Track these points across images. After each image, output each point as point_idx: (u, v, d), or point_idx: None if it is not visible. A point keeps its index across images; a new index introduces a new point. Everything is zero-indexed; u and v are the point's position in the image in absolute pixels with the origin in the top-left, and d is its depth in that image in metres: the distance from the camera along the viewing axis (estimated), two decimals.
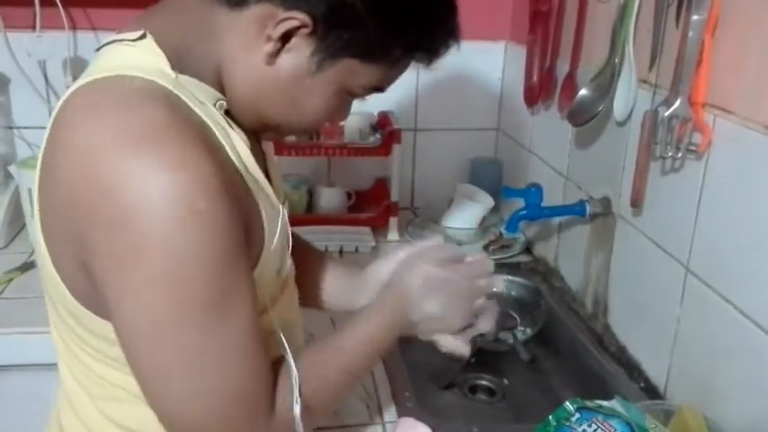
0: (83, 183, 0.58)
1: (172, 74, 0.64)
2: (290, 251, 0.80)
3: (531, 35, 1.42)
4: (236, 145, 0.68)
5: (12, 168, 1.42)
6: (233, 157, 0.66)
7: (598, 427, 0.76)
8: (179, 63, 0.65)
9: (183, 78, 0.65)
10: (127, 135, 0.58)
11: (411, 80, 1.69)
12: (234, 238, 0.62)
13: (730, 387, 0.87)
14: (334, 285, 0.98)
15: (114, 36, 0.68)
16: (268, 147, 0.85)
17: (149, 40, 0.65)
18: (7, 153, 1.58)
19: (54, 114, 0.64)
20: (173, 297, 0.59)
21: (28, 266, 1.35)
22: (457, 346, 0.87)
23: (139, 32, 0.66)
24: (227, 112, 0.70)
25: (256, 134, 0.78)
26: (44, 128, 0.66)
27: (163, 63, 0.64)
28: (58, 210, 0.63)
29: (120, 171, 0.57)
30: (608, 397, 0.82)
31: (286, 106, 0.70)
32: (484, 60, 1.69)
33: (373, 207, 1.64)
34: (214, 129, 0.65)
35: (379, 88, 0.73)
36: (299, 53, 0.67)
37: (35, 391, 1.14)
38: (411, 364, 1.08)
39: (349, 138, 1.59)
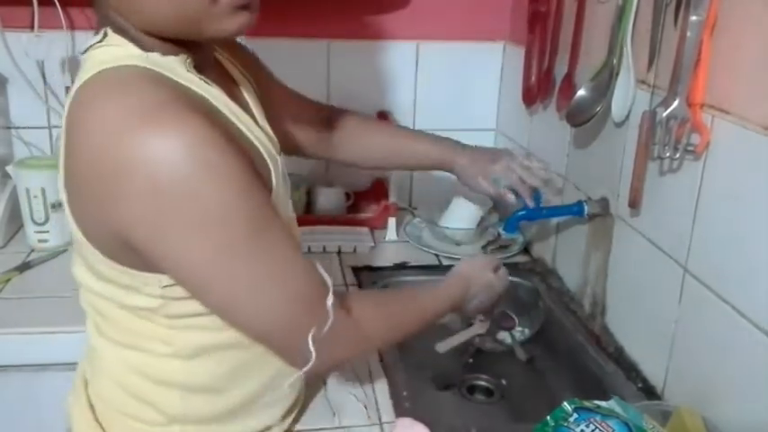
0: (102, 165, 0.64)
1: (144, 54, 0.69)
2: (290, 199, 0.87)
3: (530, 35, 1.42)
4: (222, 101, 0.73)
5: (9, 168, 1.42)
6: (231, 117, 0.73)
7: (596, 427, 0.76)
8: (140, 41, 0.69)
9: (153, 56, 0.69)
10: (130, 115, 0.63)
11: (410, 80, 1.69)
12: (249, 178, 0.68)
13: (728, 388, 0.87)
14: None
15: (88, 44, 0.73)
16: (253, 98, 0.87)
17: (111, 35, 0.70)
18: (5, 153, 1.57)
19: (63, 121, 0.69)
20: (215, 240, 0.66)
21: (26, 267, 1.35)
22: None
23: (102, 33, 0.71)
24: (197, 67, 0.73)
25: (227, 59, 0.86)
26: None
27: (132, 48, 0.69)
28: (82, 197, 0.69)
29: (132, 146, 0.62)
30: (606, 397, 0.82)
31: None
32: (483, 61, 1.69)
33: (372, 207, 1.64)
34: (205, 94, 0.70)
35: None
36: None
37: (33, 392, 1.15)
38: (409, 365, 1.08)
39: None
